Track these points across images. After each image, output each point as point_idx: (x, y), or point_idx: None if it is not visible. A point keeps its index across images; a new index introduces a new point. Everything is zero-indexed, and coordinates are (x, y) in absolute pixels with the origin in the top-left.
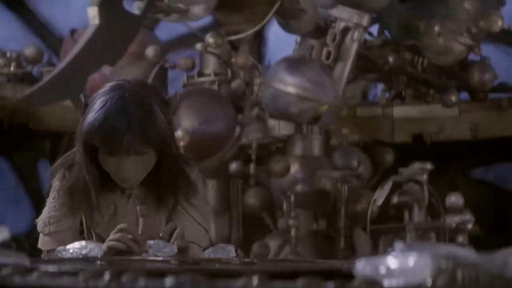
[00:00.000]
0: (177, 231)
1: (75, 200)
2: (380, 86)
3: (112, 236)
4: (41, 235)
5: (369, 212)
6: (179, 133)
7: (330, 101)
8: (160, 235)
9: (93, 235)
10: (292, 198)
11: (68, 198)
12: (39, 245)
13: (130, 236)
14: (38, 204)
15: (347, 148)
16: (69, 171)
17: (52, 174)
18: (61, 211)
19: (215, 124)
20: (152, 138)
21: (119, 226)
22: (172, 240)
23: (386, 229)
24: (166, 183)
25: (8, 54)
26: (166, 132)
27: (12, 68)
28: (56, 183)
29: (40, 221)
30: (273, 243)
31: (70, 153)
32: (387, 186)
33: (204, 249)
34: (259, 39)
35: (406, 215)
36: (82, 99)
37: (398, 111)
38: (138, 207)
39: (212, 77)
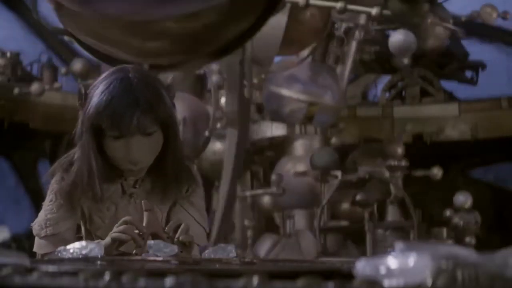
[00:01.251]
0: (182, 226)
1: (77, 197)
2: (380, 86)
3: (116, 228)
4: (36, 239)
5: (319, 212)
6: None
7: (334, 103)
8: (165, 230)
9: (94, 238)
10: (249, 199)
11: (66, 199)
12: (35, 249)
13: (135, 230)
14: (38, 204)
15: (325, 149)
16: (67, 172)
17: (49, 176)
18: (58, 213)
19: None
20: (161, 115)
21: (124, 218)
22: (177, 235)
23: (340, 228)
24: (171, 170)
25: (8, 54)
26: (173, 112)
27: (12, 68)
28: (53, 186)
29: (36, 224)
30: (266, 242)
31: (66, 155)
32: (334, 185)
33: (203, 248)
34: None
35: (366, 214)
36: (82, 89)
37: (398, 111)
38: (143, 202)
39: None
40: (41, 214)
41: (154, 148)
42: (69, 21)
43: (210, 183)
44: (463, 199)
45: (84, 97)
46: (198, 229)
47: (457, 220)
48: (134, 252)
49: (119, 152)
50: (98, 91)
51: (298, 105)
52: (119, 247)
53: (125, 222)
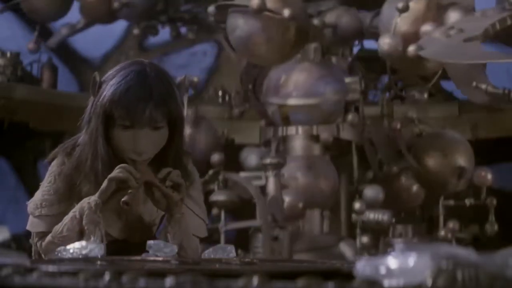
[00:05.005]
0: (172, 172)
1: (77, 181)
2: (380, 86)
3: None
4: (30, 217)
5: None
6: None
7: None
8: (158, 176)
9: None
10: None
11: (64, 183)
12: (28, 226)
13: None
14: None
15: (257, 149)
16: (68, 157)
17: (50, 160)
18: (55, 195)
19: None
20: (171, 112)
21: (120, 165)
22: (168, 179)
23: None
24: (170, 166)
25: (8, 54)
26: (181, 110)
27: (12, 68)
28: (54, 168)
29: (32, 203)
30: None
31: (70, 140)
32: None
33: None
34: None
35: (222, 215)
36: (97, 77)
37: (398, 111)
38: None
39: None
40: (38, 194)
41: (160, 142)
42: None
43: None
44: (372, 194)
45: (98, 85)
46: (197, 221)
47: (367, 216)
48: (125, 198)
49: (126, 142)
50: (114, 81)
51: (275, 107)
52: (115, 195)
53: (121, 167)
